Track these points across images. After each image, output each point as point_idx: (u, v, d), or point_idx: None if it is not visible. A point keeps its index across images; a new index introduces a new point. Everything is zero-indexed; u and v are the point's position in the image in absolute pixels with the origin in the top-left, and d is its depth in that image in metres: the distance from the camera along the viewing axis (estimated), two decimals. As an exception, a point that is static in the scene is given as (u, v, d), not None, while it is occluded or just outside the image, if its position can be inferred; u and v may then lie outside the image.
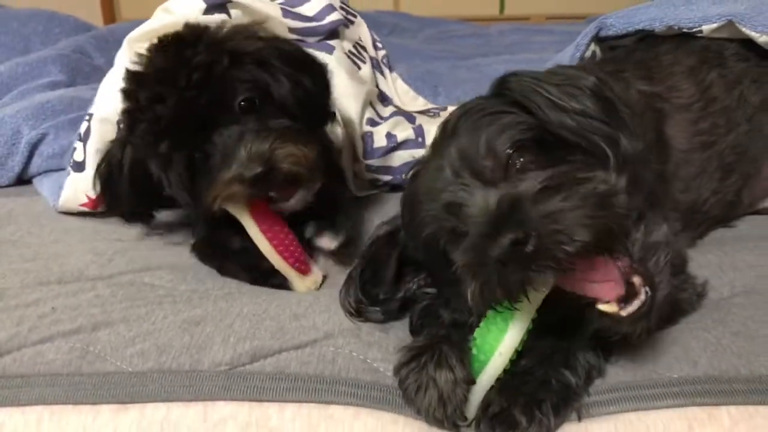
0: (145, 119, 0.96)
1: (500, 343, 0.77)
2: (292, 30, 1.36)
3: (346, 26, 1.49)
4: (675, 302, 0.89)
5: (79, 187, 1.20)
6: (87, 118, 1.22)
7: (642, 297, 0.73)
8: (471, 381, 0.77)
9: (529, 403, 0.76)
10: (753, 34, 1.17)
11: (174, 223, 1.22)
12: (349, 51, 1.42)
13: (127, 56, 1.20)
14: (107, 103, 1.18)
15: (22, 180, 1.38)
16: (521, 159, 0.77)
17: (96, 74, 1.65)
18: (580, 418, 0.78)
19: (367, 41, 1.55)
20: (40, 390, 0.82)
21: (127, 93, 0.99)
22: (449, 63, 1.90)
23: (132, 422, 0.79)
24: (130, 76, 1.00)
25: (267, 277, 1.01)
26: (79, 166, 1.20)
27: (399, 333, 0.89)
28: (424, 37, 2.37)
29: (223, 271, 1.04)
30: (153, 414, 0.79)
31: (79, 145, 1.21)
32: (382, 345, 0.87)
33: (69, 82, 1.56)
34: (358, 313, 0.91)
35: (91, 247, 1.12)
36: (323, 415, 0.79)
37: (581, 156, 0.78)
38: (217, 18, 1.25)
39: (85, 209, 1.21)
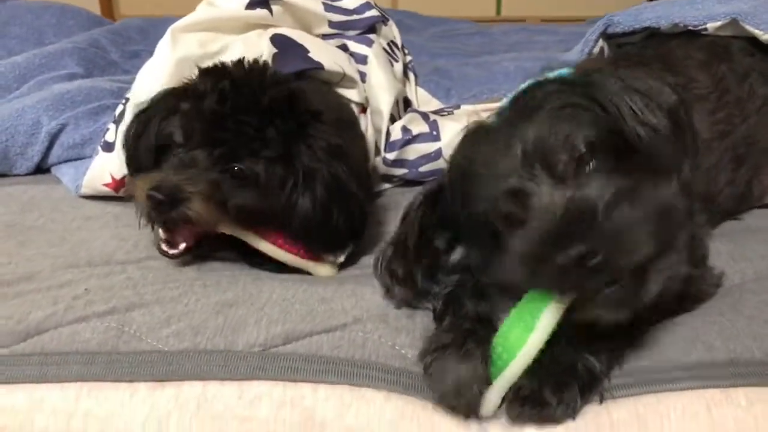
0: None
1: (524, 344, 0.77)
2: (332, 24, 1.39)
3: (384, 23, 1.52)
4: (694, 291, 0.92)
5: (105, 167, 1.21)
6: (123, 101, 1.24)
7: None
8: (488, 381, 0.79)
9: (558, 385, 0.78)
10: (757, 32, 1.21)
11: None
12: (385, 47, 1.45)
13: (170, 46, 1.22)
14: (144, 89, 1.20)
15: (40, 168, 1.40)
16: (593, 160, 0.76)
17: (111, 68, 1.67)
18: (602, 401, 0.80)
19: (398, 43, 1.58)
20: (78, 367, 0.84)
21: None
22: (457, 60, 1.92)
23: (169, 399, 0.81)
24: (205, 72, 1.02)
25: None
26: (109, 147, 1.22)
27: (425, 320, 0.91)
28: (429, 35, 2.38)
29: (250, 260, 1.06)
30: (189, 391, 0.82)
31: (112, 126, 1.23)
32: (410, 331, 0.89)
33: (85, 74, 1.57)
34: (404, 281, 0.90)
35: (115, 233, 1.13)
36: (355, 396, 0.82)
37: (652, 171, 0.78)
38: (259, 13, 1.28)
39: (107, 190, 1.23)
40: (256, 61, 1.06)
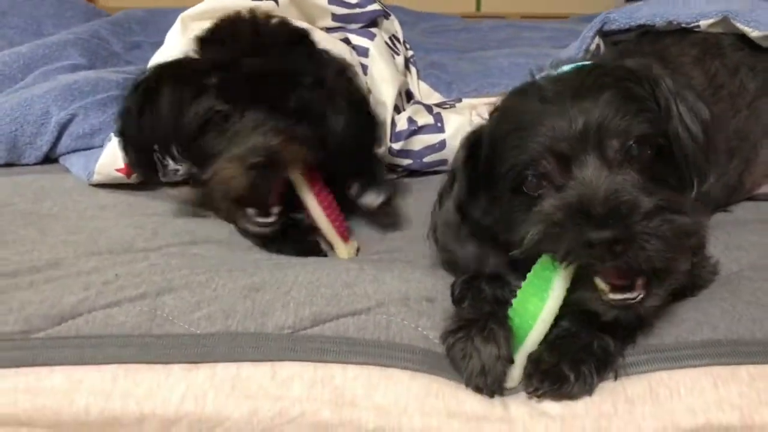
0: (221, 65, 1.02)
1: (541, 311, 0.83)
2: (336, 17, 1.43)
3: (386, 17, 1.55)
4: (696, 277, 0.98)
5: (118, 152, 1.22)
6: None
7: (634, 294, 0.80)
8: (511, 360, 0.84)
9: (576, 361, 0.83)
10: (746, 29, 1.28)
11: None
12: (386, 41, 1.49)
13: (181, 33, 1.25)
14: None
15: (47, 158, 1.41)
16: (640, 155, 0.81)
17: (113, 59, 1.68)
18: (616, 378, 0.86)
19: (400, 37, 1.61)
20: (114, 350, 0.87)
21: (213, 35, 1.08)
22: (451, 55, 1.97)
23: (204, 379, 0.84)
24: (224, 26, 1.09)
25: (314, 248, 1.08)
26: None
27: (444, 304, 0.96)
28: (421, 30, 2.43)
29: (268, 245, 1.09)
30: (224, 372, 0.85)
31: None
32: (430, 315, 0.93)
33: (88, 65, 1.59)
34: (460, 210, 0.94)
35: (131, 221, 1.16)
36: (383, 375, 0.85)
37: (676, 180, 0.84)
38: (266, 3, 1.31)
39: (120, 176, 1.25)
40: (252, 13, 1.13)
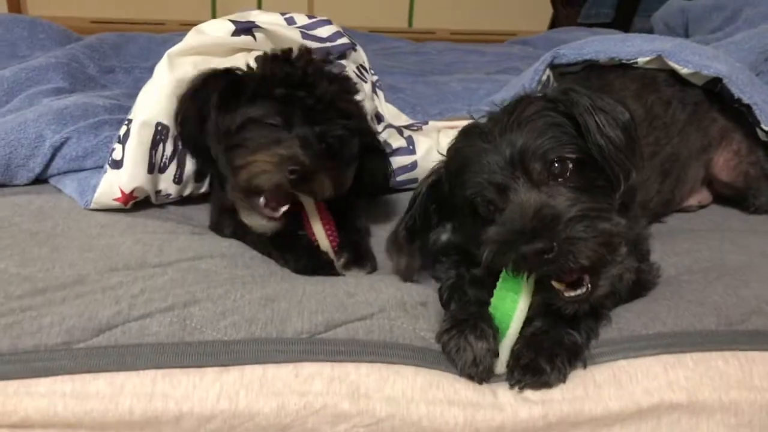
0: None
1: (516, 309, 0.99)
2: (314, 51, 1.54)
3: (353, 50, 1.68)
4: (644, 281, 1.16)
5: (114, 183, 1.30)
6: (126, 122, 1.33)
7: (582, 290, 0.96)
8: (497, 352, 0.99)
9: (551, 355, 0.99)
10: (677, 67, 1.47)
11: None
12: (354, 71, 1.61)
13: (168, 68, 1.34)
14: (146, 108, 1.32)
15: (37, 179, 1.47)
16: (562, 171, 0.97)
17: (90, 83, 1.74)
18: (585, 366, 1.02)
19: (366, 65, 1.74)
20: (151, 357, 0.96)
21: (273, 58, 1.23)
22: (407, 79, 2.12)
23: (235, 380, 0.95)
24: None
25: (327, 267, 1.22)
26: (117, 164, 1.31)
27: (436, 306, 1.10)
28: (372, 52, 2.54)
29: (287, 260, 1.22)
30: (252, 373, 0.96)
31: (118, 146, 1.32)
32: (425, 317, 1.07)
33: (70, 88, 1.64)
34: (409, 239, 1.12)
35: (135, 239, 1.23)
36: (391, 371, 0.99)
37: (603, 181, 1.00)
38: (244, 39, 1.42)
39: (117, 204, 1.32)
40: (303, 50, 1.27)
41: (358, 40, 2.70)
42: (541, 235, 0.90)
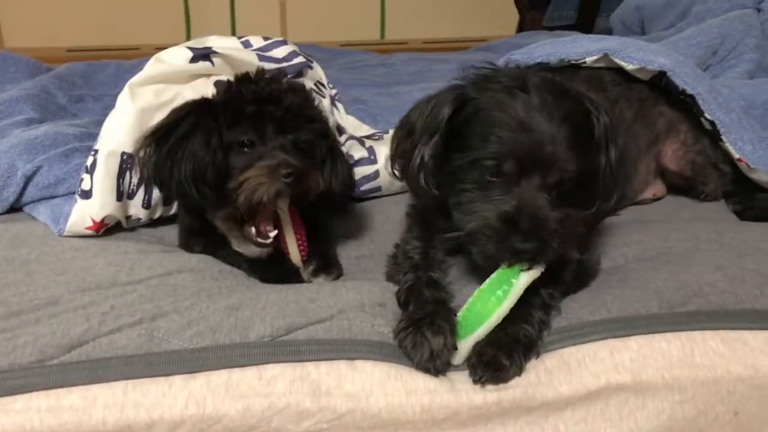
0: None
1: (499, 307, 1.04)
2: (267, 72, 1.60)
3: (310, 67, 1.74)
4: (585, 272, 1.23)
5: (85, 212, 1.36)
6: (93, 153, 1.38)
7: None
8: (455, 347, 1.04)
9: (509, 351, 1.04)
10: (623, 64, 1.54)
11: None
12: (311, 88, 1.67)
13: (130, 99, 1.40)
14: (112, 138, 1.37)
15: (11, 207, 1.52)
16: (566, 183, 1.07)
17: (61, 112, 1.80)
18: (538, 356, 1.07)
19: (324, 81, 1.80)
20: (121, 368, 1.01)
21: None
22: (371, 90, 2.17)
23: (202, 386, 1.00)
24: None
25: (294, 275, 1.28)
26: (86, 194, 1.36)
27: (394, 307, 1.15)
28: (338, 67, 2.62)
29: (254, 270, 1.29)
30: (218, 378, 1.01)
31: (86, 176, 1.37)
32: (383, 315, 1.12)
33: (41, 119, 1.70)
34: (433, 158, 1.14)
35: (107, 260, 1.29)
36: (350, 367, 1.04)
37: (584, 197, 1.11)
38: (202, 65, 1.48)
39: (89, 232, 1.38)
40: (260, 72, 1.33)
41: (326, 55, 2.80)
42: (535, 237, 1.02)
